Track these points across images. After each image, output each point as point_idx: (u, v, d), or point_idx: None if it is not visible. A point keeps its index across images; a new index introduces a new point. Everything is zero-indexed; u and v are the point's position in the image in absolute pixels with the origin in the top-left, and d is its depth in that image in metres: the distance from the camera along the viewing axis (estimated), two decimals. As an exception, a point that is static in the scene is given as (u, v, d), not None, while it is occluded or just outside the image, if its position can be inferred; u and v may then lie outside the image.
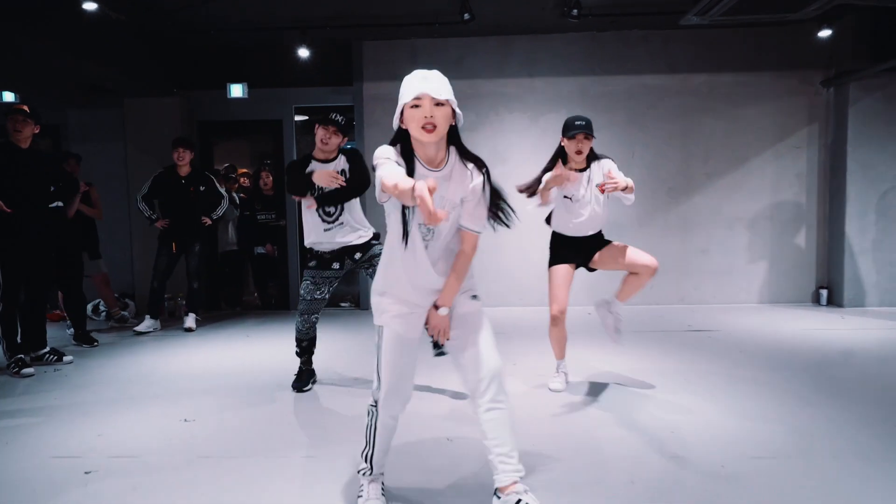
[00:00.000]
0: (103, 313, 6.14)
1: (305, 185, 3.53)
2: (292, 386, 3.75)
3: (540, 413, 3.26)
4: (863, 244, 6.11)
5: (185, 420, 3.23)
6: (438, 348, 2.17)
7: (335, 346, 4.86)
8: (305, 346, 3.78)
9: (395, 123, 1.98)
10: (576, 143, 3.29)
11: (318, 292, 3.63)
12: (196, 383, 3.95)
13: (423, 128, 1.87)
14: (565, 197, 3.40)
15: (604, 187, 3.09)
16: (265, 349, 4.92)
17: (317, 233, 3.58)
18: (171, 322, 5.93)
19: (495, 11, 5.64)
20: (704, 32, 6.20)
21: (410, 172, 1.93)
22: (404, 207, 1.96)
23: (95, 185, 5.65)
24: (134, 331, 5.47)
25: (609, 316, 3.61)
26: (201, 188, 5.52)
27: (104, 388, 3.87)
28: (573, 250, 3.49)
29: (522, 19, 5.97)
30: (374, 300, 2.14)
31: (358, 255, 3.65)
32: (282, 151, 6.66)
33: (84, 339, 5.05)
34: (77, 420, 3.26)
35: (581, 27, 6.14)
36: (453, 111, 1.93)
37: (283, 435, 3.03)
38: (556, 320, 3.46)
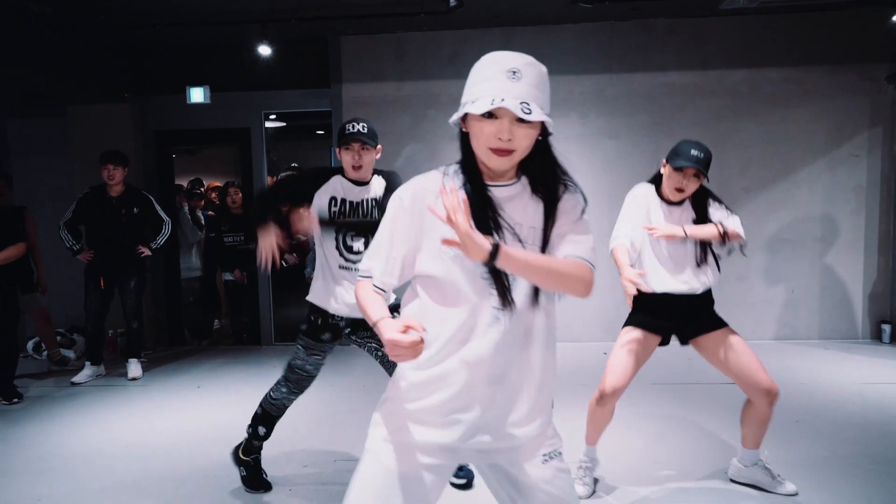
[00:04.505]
0: (45, 353, 5.36)
1: (267, 213, 2.53)
2: (245, 484, 2.83)
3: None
4: (937, 272, 5.11)
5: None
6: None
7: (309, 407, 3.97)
8: (270, 429, 2.76)
9: (455, 121, 1.37)
10: (681, 178, 2.48)
11: (308, 364, 2.64)
12: (103, 466, 3.15)
13: (493, 151, 1.31)
14: (648, 229, 2.55)
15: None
16: (215, 406, 4.13)
17: (328, 275, 2.56)
18: (121, 364, 5.11)
19: (493, 1, 4.75)
20: (745, 20, 5.23)
21: (479, 190, 1.36)
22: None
23: (29, 208, 4.87)
24: (71, 381, 4.69)
25: (754, 471, 2.73)
26: (135, 210, 4.69)
27: (-18, 480, 3.05)
28: (660, 315, 2.60)
29: (526, 8, 5.05)
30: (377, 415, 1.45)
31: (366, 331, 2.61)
32: (251, 162, 5.83)
33: (5, 393, 4.28)
34: None
35: (596, 16, 5.21)
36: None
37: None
38: (604, 400, 2.57)
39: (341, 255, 2.55)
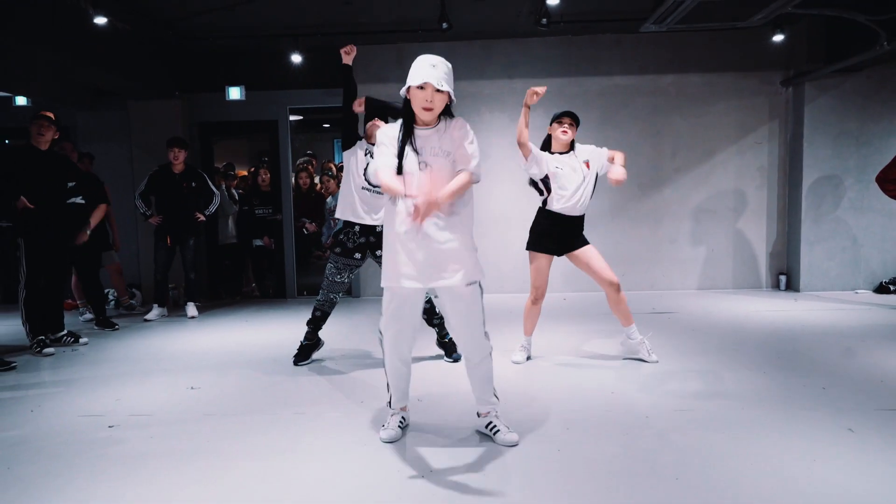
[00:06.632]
0: (112, 302, 6.59)
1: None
2: (293, 360, 4.18)
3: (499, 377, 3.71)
4: (818, 233, 6.56)
5: (192, 388, 3.69)
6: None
7: (329, 328, 5.27)
8: (318, 317, 4.15)
9: (402, 93, 2.44)
10: (560, 127, 3.77)
11: (338, 276, 4.02)
12: (200, 360, 4.40)
13: (423, 108, 2.38)
14: (556, 167, 3.74)
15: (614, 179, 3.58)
16: (263, 332, 5.37)
17: (354, 197, 3.85)
18: (175, 310, 6.37)
19: (474, 19, 6.08)
20: (672, 36, 6.61)
21: (409, 132, 2.47)
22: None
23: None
24: (143, 319, 5.93)
25: (631, 343, 4.04)
26: (193, 184, 5.95)
27: (118, 364, 4.32)
28: (553, 236, 3.81)
29: (501, 25, 6.39)
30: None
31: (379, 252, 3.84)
32: (277, 150, 7.09)
33: (105, 323, 5.52)
34: (97, 388, 3.72)
35: (557, 31, 6.57)
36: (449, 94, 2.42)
37: (276, 397, 3.49)
38: (537, 301, 3.93)
39: (366, 181, 3.83)
